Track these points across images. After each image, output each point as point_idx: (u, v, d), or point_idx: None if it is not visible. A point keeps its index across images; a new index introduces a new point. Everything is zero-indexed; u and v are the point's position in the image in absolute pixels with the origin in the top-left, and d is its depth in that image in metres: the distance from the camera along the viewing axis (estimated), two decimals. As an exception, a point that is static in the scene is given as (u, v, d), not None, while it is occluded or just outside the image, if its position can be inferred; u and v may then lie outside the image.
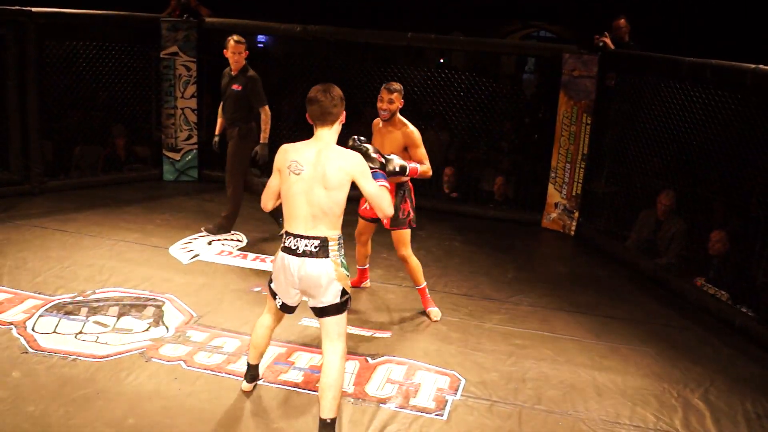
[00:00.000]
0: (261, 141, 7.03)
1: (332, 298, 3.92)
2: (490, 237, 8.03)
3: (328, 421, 3.90)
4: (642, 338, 5.67)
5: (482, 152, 9.29)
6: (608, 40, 7.82)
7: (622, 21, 8.13)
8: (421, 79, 8.94)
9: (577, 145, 8.05)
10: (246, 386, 4.50)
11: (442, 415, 4.38)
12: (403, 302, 6.01)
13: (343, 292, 3.94)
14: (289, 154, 3.98)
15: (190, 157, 9.39)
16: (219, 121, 7.33)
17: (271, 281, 4.15)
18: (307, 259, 3.88)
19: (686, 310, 6.31)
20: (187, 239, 7.12)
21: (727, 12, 12.35)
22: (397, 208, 5.50)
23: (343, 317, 3.99)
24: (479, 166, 9.34)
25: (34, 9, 7.95)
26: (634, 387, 4.88)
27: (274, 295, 4.14)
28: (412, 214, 5.65)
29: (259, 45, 13.40)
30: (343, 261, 3.96)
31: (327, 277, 3.89)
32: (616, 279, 7.00)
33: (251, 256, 6.74)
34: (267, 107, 7.04)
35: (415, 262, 5.69)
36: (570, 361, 5.18)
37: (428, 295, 5.82)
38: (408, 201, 5.61)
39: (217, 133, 7.37)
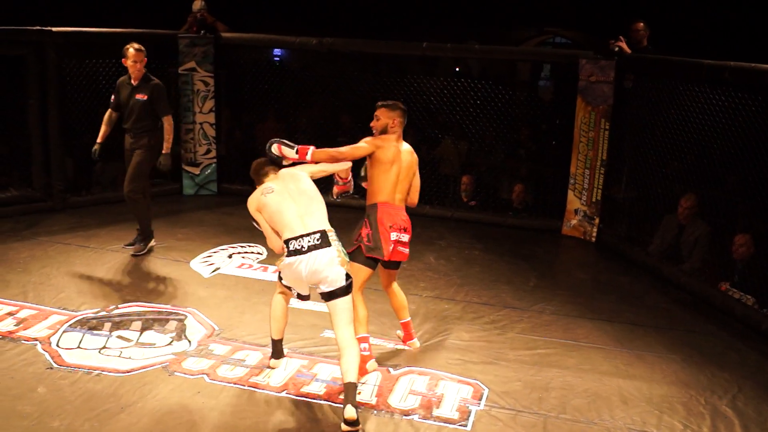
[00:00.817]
0: (165, 151, 6.92)
1: (339, 281, 4.38)
2: (510, 245, 8.00)
3: (357, 383, 4.29)
4: (667, 345, 5.62)
5: (500, 160, 9.27)
6: (624, 45, 7.79)
7: (641, 25, 8.08)
8: (437, 89, 8.94)
9: (595, 150, 8.02)
10: (275, 363, 4.90)
11: (465, 426, 4.35)
12: (424, 312, 5.99)
13: (347, 276, 4.42)
14: (257, 192, 4.66)
15: (209, 171, 9.44)
16: (103, 129, 7.07)
17: (280, 277, 4.69)
18: (313, 252, 4.36)
19: (711, 316, 6.26)
20: (207, 253, 7.15)
21: (737, 14, 12.33)
22: (354, 232, 5.06)
23: (350, 298, 4.44)
24: (497, 173, 9.32)
25: (54, 29, 8.04)
26: (660, 394, 4.84)
27: (288, 287, 4.68)
28: (365, 241, 4.92)
29: (276, 59, 13.45)
30: (343, 249, 4.48)
31: (332, 263, 4.36)
32: (638, 285, 6.95)
33: (272, 268, 6.74)
34: (171, 117, 6.98)
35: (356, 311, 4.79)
36: (594, 370, 5.14)
37: (363, 351, 4.80)
38: (367, 227, 4.96)
39: (99, 141, 7.08)
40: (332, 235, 4.45)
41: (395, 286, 5.31)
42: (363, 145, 4.98)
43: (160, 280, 6.41)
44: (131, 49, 6.85)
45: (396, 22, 16.68)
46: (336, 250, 4.40)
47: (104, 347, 5.09)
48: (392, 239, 4.95)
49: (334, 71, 9.39)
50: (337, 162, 4.89)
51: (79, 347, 5.07)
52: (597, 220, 8.16)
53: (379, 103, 5.13)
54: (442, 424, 4.35)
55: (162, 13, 10.88)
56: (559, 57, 9.77)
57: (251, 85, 9.48)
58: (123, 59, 6.89)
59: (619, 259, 7.68)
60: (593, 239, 8.20)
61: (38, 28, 7.97)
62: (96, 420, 4.21)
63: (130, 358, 4.96)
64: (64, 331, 5.30)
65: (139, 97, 6.89)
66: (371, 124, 5.09)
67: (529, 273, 7.11)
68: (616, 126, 7.90)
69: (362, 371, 4.77)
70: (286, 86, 9.69)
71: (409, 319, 5.38)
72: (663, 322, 6.10)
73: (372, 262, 4.98)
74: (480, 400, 4.64)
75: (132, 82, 6.94)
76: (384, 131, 5.05)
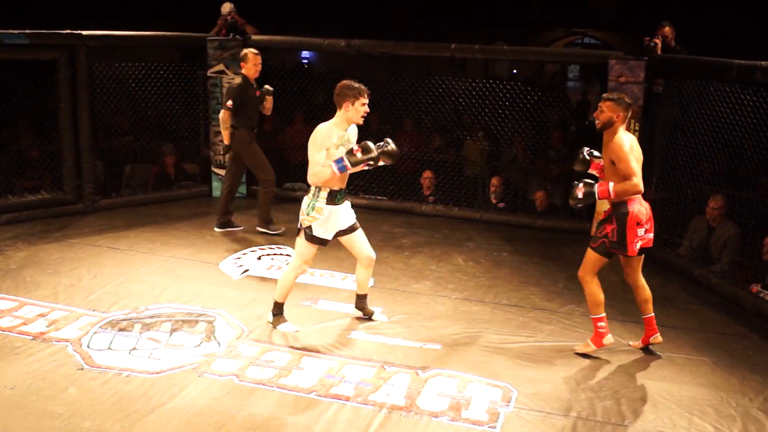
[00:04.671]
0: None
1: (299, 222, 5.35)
2: (539, 246, 7.96)
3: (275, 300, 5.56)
4: (697, 347, 5.57)
5: (529, 161, 9.23)
6: (659, 41, 7.74)
7: (667, 29, 8.02)
8: (465, 90, 8.93)
9: (625, 152, 7.94)
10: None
11: (494, 428, 4.33)
12: (453, 314, 5.98)
13: (302, 226, 5.28)
14: None
15: (238, 173, 9.48)
16: (228, 132, 7.59)
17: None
18: None
19: (742, 318, 6.19)
20: (237, 254, 7.18)
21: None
22: (600, 225, 5.26)
23: (301, 241, 5.33)
24: (526, 175, 9.28)
25: (84, 32, 8.12)
26: (690, 397, 4.79)
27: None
28: (611, 237, 5.10)
29: (304, 61, 13.51)
30: (313, 205, 5.21)
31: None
32: (669, 287, 6.88)
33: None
34: None
35: (590, 290, 5.25)
36: (624, 371, 5.11)
37: (600, 329, 5.25)
38: (613, 223, 5.08)
39: (229, 142, 7.64)
40: (310, 192, 5.25)
41: (641, 278, 5.41)
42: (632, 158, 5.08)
43: (190, 282, 6.44)
44: (252, 53, 7.64)
45: (424, 25, 16.71)
46: (304, 201, 5.27)
47: (134, 348, 5.13)
48: (639, 236, 5.12)
49: (362, 73, 9.41)
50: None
51: (109, 348, 5.12)
52: (627, 222, 8.08)
53: (605, 96, 5.10)
54: (471, 426, 4.34)
55: (191, 16, 10.96)
56: (588, 58, 9.73)
57: (279, 87, 9.51)
58: (242, 63, 7.62)
59: (649, 260, 7.55)
60: (623, 241, 8.11)
61: (69, 31, 8.05)
62: (126, 421, 4.25)
63: (160, 359, 4.99)
64: (94, 333, 5.35)
65: (258, 94, 7.73)
66: (594, 115, 5.12)
67: (558, 275, 7.07)
68: (646, 127, 7.84)
69: (599, 344, 5.27)
70: (315, 88, 9.73)
71: (652, 314, 5.39)
72: (693, 323, 6.04)
73: (610, 255, 5.23)
74: (509, 402, 4.62)
75: (252, 82, 7.68)
76: (608, 124, 5.06)
